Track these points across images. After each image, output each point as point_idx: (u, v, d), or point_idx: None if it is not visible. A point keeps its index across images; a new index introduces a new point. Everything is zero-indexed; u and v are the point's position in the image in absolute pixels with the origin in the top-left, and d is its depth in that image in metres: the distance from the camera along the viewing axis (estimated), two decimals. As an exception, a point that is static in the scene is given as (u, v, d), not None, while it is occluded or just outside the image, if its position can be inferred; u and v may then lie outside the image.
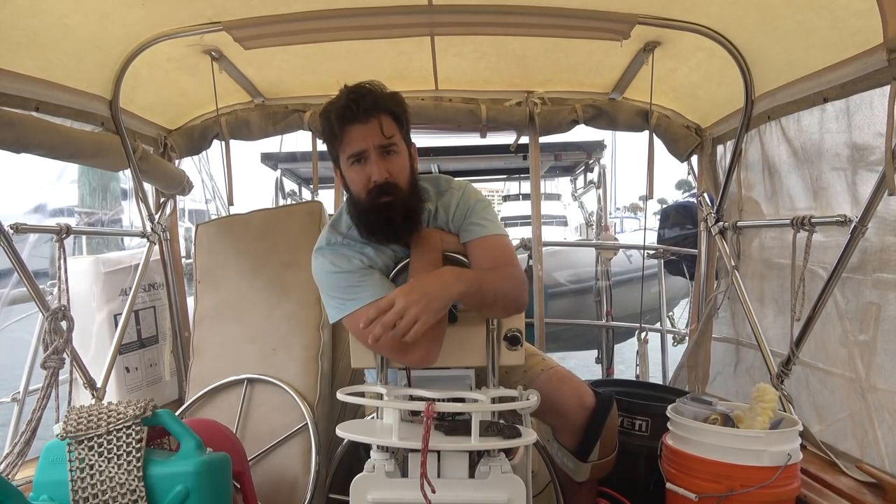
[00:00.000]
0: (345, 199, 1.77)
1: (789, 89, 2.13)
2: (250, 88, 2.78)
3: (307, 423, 2.22)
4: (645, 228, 4.03)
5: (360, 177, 1.60)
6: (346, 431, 1.58)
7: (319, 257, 1.72)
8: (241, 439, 2.10)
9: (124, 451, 1.46)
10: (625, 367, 6.09)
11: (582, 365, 5.97)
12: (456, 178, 1.84)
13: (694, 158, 2.92)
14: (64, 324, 2.05)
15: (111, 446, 1.46)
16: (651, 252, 4.54)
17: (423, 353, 1.61)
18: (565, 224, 12.32)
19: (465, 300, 1.56)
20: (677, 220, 4.39)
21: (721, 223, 2.71)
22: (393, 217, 1.60)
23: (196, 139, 2.92)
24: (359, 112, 1.55)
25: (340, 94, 1.60)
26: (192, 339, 2.55)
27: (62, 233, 2.15)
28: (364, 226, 1.66)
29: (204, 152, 3.13)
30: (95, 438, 1.47)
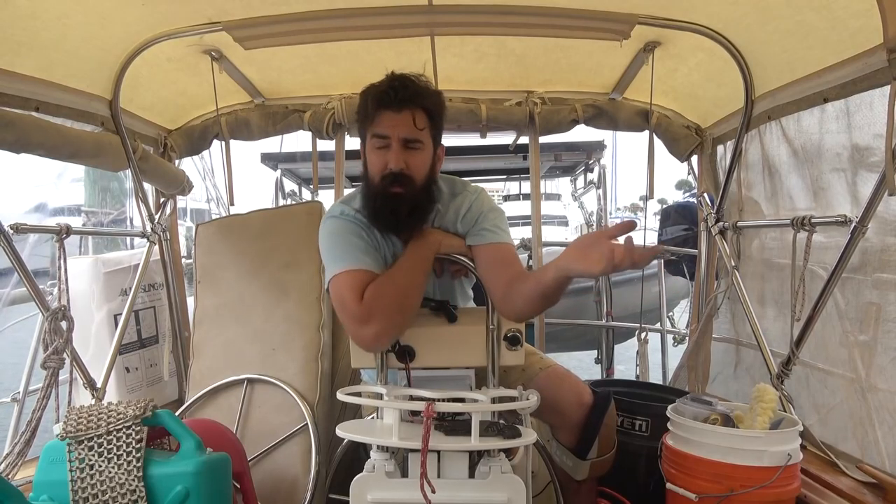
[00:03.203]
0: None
1: (789, 89, 2.13)
2: (250, 88, 2.78)
3: (307, 423, 2.22)
4: (645, 228, 4.03)
5: (379, 161, 1.63)
6: (346, 431, 1.58)
7: (331, 222, 1.73)
8: (241, 439, 2.10)
9: (124, 451, 1.46)
10: (625, 367, 6.08)
11: (581, 365, 5.97)
12: (471, 183, 1.86)
13: (694, 158, 2.92)
14: (64, 324, 2.05)
15: (111, 446, 1.46)
16: (651, 252, 4.53)
17: (378, 329, 1.55)
18: (566, 224, 12.29)
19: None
20: (677, 220, 4.39)
21: (721, 223, 2.71)
22: (398, 209, 1.63)
23: (196, 139, 2.92)
24: (395, 100, 1.59)
25: (384, 79, 1.65)
26: (192, 340, 2.55)
27: (62, 233, 2.15)
28: (370, 209, 1.68)
29: (204, 152, 3.13)
30: (95, 438, 1.46)
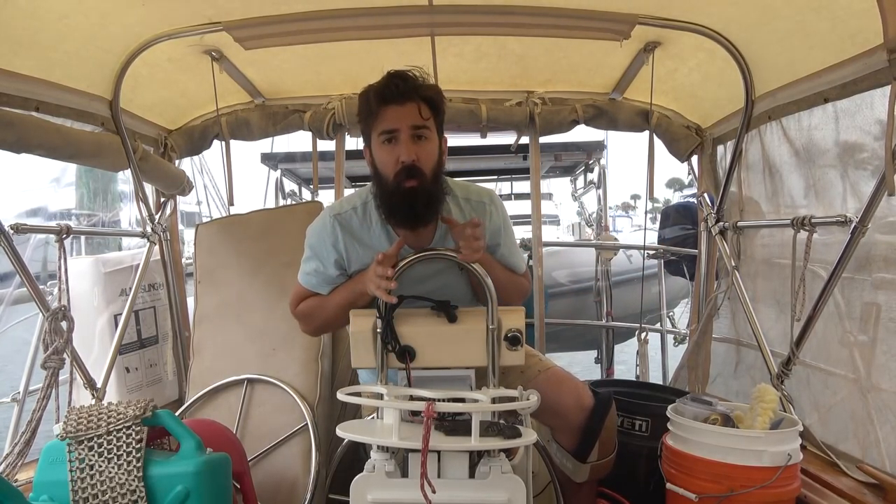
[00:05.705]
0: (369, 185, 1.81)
1: (790, 89, 2.13)
2: (250, 88, 2.78)
3: (307, 423, 2.22)
4: (645, 228, 4.04)
5: (389, 157, 1.64)
6: (347, 431, 1.58)
7: (313, 230, 1.82)
8: (241, 439, 2.10)
9: (124, 451, 1.46)
10: (625, 367, 6.08)
11: (581, 365, 5.97)
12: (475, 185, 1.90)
13: (694, 158, 2.92)
14: (64, 324, 2.05)
15: (111, 446, 1.46)
16: (651, 252, 4.54)
17: (302, 329, 1.97)
18: (557, 223, 12.31)
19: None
20: (677, 220, 4.39)
21: (721, 223, 2.71)
22: (415, 203, 1.64)
23: (196, 139, 2.92)
24: (397, 94, 1.62)
25: (383, 77, 1.68)
26: (192, 339, 2.55)
27: (62, 233, 2.15)
28: (386, 207, 1.70)
29: (201, 154, 3.13)
30: (95, 439, 1.46)
